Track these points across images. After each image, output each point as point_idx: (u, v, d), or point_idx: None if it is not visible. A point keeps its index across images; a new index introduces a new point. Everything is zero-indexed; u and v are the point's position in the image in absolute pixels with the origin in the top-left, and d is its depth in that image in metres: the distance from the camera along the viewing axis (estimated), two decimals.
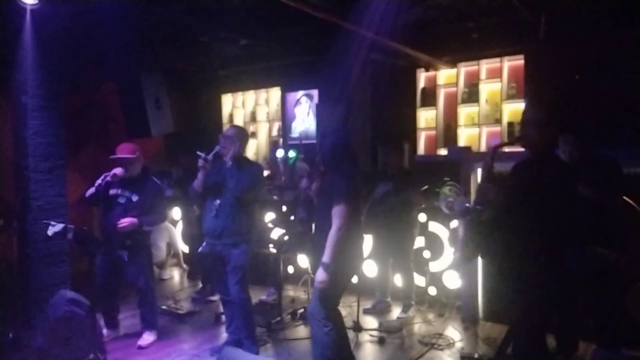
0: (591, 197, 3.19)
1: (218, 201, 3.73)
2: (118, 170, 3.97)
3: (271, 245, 5.05)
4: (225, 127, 8.66)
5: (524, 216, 2.59)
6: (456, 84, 6.40)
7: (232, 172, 3.75)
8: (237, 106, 8.66)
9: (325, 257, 3.01)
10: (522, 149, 2.85)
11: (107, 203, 4.09)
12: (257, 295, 5.25)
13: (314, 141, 6.66)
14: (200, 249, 3.88)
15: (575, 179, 2.75)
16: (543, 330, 2.76)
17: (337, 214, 3.02)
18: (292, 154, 5.34)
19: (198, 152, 3.71)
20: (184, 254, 6.78)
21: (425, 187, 4.58)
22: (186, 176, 6.15)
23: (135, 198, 4.09)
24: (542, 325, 2.74)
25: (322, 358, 3.13)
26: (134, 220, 3.96)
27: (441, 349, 3.99)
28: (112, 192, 4.12)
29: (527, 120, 2.71)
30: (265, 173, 7.40)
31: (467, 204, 2.71)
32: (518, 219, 2.63)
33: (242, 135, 3.89)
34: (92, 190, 4.07)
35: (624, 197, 3.58)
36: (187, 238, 6.55)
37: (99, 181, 3.97)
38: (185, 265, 6.70)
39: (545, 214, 2.54)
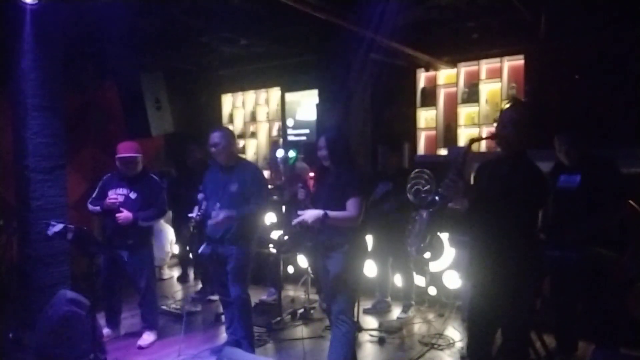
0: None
1: (218, 205, 3.70)
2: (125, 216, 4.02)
3: (271, 245, 5.06)
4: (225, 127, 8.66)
5: (489, 219, 2.55)
6: (456, 84, 6.39)
7: (232, 177, 3.73)
8: (237, 106, 8.66)
9: (331, 213, 3.06)
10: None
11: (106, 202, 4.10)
12: (257, 295, 5.26)
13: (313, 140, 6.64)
14: (200, 250, 3.89)
15: (547, 185, 2.69)
16: (526, 337, 2.72)
17: (354, 205, 3.07)
18: (292, 154, 5.34)
19: (189, 215, 3.75)
20: (175, 255, 6.77)
21: (427, 187, 4.57)
22: (181, 177, 6.14)
23: (133, 195, 4.12)
24: (525, 331, 2.70)
25: (343, 357, 3.16)
26: (129, 215, 3.98)
27: (441, 349, 4.00)
28: (110, 191, 4.13)
29: (506, 119, 2.64)
30: (266, 174, 7.38)
31: (436, 196, 2.64)
32: (484, 221, 2.59)
33: (228, 137, 3.79)
34: (96, 208, 4.12)
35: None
36: (179, 240, 6.51)
37: (112, 201, 4.04)
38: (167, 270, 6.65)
39: (512, 217, 2.49)
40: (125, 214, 3.99)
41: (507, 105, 2.70)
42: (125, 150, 4.12)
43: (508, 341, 2.67)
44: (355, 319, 4.26)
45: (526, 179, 2.54)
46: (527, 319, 2.67)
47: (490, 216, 2.55)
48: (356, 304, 4.36)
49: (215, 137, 3.74)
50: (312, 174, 5.65)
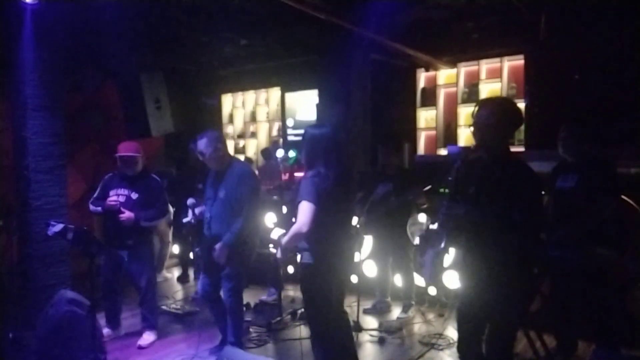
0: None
1: (209, 214, 3.68)
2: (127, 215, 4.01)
3: (271, 245, 5.06)
4: (226, 127, 8.67)
5: (482, 225, 2.49)
6: (456, 84, 6.40)
7: (223, 182, 3.65)
8: (237, 106, 8.67)
9: (283, 240, 2.95)
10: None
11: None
12: (257, 295, 5.26)
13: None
14: (197, 249, 3.88)
15: (540, 183, 2.58)
16: (512, 342, 2.67)
17: (300, 210, 2.82)
18: (292, 154, 5.33)
19: (184, 221, 3.77)
20: (175, 255, 6.76)
21: (428, 187, 4.57)
22: (181, 177, 6.13)
23: (135, 196, 4.12)
24: (512, 336, 2.64)
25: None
26: (131, 215, 4.00)
27: (441, 349, 3.99)
28: (112, 191, 4.13)
29: (480, 123, 2.54)
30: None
31: (438, 233, 2.61)
32: (476, 226, 2.53)
33: (214, 142, 3.62)
34: (97, 209, 4.12)
35: (623, 197, 3.58)
36: (177, 240, 6.50)
37: (112, 202, 4.02)
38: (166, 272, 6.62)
39: (508, 224, 2.42)
40: (127, 214, 3.99)
41: (476, 109, 2.59)
42: (126, 149, 4.12)
43: (493, 345, 2.64)
44: (355, 319, 4.28)
45: (518, 183, 2.47)
46: (514, 325, 2.61)
47: (483, 222, 2.50)
48: (356, 304, 4.38)
49: (200, 145, 3.61)
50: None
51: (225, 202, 3.59)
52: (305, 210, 2.81)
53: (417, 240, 3.61)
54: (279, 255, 3.01)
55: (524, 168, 2.54)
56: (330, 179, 2.87)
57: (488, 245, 2.52)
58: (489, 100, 2.75)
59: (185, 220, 3.74)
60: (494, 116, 2.51)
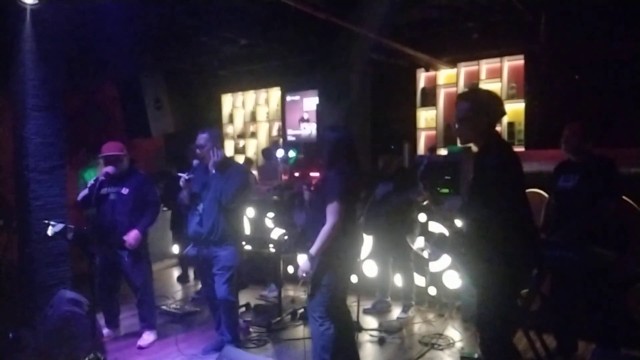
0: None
1: (201, 206, 3.71)
2: (109, 169, 4.02)
3: (271, 245, 5.06)
4: (226, 127, 8.68)
5: (469, 219, 2.50)
6: (456, 84, 6.40)
7: (217, 178, 3.70)
8: (237, 106, 8.66)
9: (312, 249, 3.05)
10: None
11: (99, 202, 4.09)
12: (257, 294, 5.26)
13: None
14: (185, 251, 3.89)
15: (519, 167, 2.52)
16: (507, 330, 2.65)
17: (331, 210, 3.03)
18: (292, 154, 5.34)
19: (178, 174, 3.80)
20: (175, 255, 6.76)
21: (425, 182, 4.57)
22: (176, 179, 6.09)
23: (125, 191, 4.12)
24: (505, 325, 2.62)
25: (320, 357, 3.13)
26: (137, 233, 4.00)
27: (441, 349, 3.99)
28: (103, 190, 4.12)
29: (457, 119, 2.60)
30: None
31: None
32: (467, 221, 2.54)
33: (214, 137, 3.79)
34: (85, 192, 4.09)
35: (623, 197, 3.58)
36: (177, 239, 6.49)
37: (92, 182, 4.03)
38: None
39: (486, 211, 2.40)
40: (134, 235, 3.97)
41: (457, 105, 2.64)
42: (109, 149, 4.13)
43: (482, 338, 2.65)
44: (355, 319, 4.28)
45: (480, 172, 2.48)
46: (501, 317, 2.57)
47: (468, 216, 2.53)
48: (356, 304, 4.38)
49: (201, 139, 3.75)
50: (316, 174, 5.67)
51: (217, 198, 3.66)
52: (334, 210, 3.02)
53: (425, 252, 3.68)
54: (307, 268, 3.08)
55: (500, 155, 2.48)
56: (353, 176, 3.15)
57: (473, 242, 2.53)
58: (461, 96, 2.76)
59: (180, 174, 3.76)
60: (467, 111, 2.55)
